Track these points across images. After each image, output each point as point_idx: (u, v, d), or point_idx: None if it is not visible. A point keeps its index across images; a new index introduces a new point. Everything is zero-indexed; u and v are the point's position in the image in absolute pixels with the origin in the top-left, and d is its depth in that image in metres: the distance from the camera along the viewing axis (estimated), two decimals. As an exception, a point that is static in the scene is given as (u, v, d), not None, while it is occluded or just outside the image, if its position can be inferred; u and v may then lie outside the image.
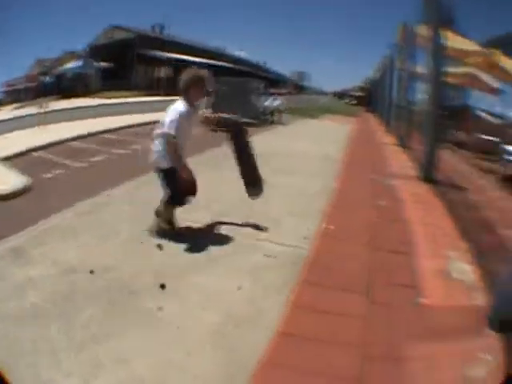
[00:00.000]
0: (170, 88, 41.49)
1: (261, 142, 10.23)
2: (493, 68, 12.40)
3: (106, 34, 52.94)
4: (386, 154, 9.66)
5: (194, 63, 49.12)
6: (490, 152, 9.45)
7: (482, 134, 9.71)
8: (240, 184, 4.49)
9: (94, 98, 39.97)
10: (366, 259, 3.40)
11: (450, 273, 3.24)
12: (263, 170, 6.16)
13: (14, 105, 39.26)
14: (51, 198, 6.25)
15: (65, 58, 53.63)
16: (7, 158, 9.76)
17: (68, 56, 53.83)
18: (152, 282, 3.02)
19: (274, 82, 70.22)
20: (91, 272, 3.17)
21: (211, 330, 2.47)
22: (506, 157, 7.58)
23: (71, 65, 48.27)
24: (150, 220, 4.08)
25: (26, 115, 20.02)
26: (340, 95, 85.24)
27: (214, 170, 6.56)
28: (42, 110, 16.41)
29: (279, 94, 22.46)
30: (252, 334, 2.41)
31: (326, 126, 17.27)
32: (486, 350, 2.17)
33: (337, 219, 4.35)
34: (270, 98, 20.46)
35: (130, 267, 3.28)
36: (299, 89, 61.16)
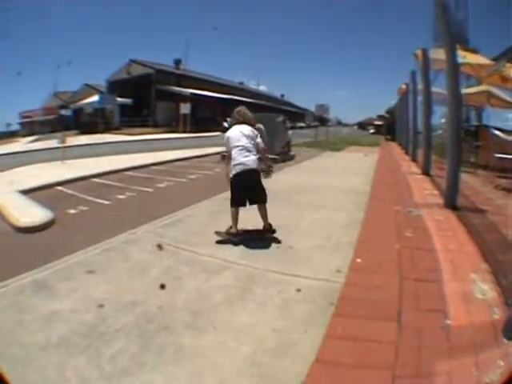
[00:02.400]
0: (190, 124, 41.86)
1: (286, 177, 10.70)
2: (506, 81, 12.74)
3: (124, 68, 54.21)
4: (410, 183, 9.76)
5: (213, 98, 49.71)
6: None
7: (501, 153, 9.81)
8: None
9: (114, 134, 40.94)
10: (395, 289, 3.54)
11: (473, 294, 3.47)
12: (289, 206, 6.79)
13: (31, 137, 39.90)
14: (75, 233, 6.41)
15: (84, 92, 55.41)
16: (30, 191, 10.03)
17: (87, 90, 55.61)
18: (182, 316, 3.17)
19: (295, 115, 70.77)
20: (120, 306, 3.32)
21: (247, 362, 2.59)
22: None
23: (90, 99, 49.10)
24: (178, 258, 4.46)
25: (47, 148, 20.59)
26: (362, 126, 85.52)
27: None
28: (63, 144, 16.83)
29: (301, 128, 22.71)
30: (290, 365, 2.55)
31: (349, 158, 17.34)
32: (502, 357, 2.48)
33: (365, 252, 4.54)
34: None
35: (160, 302, 3.41)
36: (321, 121, 61.55)
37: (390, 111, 43.41)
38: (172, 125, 45.79)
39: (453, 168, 6.91)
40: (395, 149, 24.03)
